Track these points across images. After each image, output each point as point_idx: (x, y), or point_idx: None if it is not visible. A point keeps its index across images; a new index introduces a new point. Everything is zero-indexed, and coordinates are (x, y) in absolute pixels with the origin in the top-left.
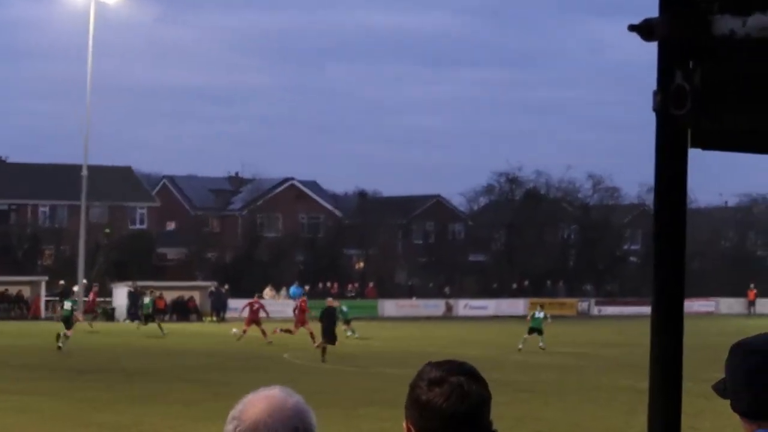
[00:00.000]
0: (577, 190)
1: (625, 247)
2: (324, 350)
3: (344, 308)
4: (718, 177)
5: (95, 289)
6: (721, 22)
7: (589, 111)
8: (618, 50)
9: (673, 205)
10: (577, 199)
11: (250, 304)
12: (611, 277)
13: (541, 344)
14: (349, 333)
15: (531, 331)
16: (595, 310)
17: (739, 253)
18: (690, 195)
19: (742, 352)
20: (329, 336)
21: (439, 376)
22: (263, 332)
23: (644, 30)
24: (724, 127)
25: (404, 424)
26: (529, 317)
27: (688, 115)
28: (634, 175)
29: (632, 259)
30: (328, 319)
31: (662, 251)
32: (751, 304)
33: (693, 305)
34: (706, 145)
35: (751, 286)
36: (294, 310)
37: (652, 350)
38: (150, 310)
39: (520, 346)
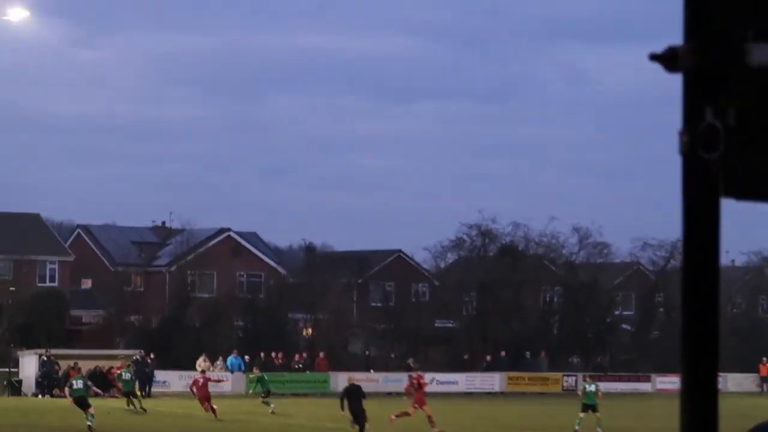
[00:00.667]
0: (561, 245)
1: (617, 312)
2: None
3: (265, 376)
4: (724, 232)
5: None
6: (758, 50)
7: (574, 153)
8: (606, 83)
9: (704, 266)
10: (561, 256)
11: (195, 382)
12: (600, 348)
13: (599, 430)
14: (271, 407)
15: (585, 408)
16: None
17: (748, 321)
18: None
19: None
20: (361, 417)
21: None
22: (213, 410)
23: (668, 59)
24: (762, 173)
25: None
26: (580, 392)
27: (721, 159)
28: (626, 229)
29: (625, 326)
30: (356, 398)
31: (692, 320)
32: (764, 380)
33: None
34: (741, 194)
35: (764, 359)
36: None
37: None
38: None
39: (577, 428)
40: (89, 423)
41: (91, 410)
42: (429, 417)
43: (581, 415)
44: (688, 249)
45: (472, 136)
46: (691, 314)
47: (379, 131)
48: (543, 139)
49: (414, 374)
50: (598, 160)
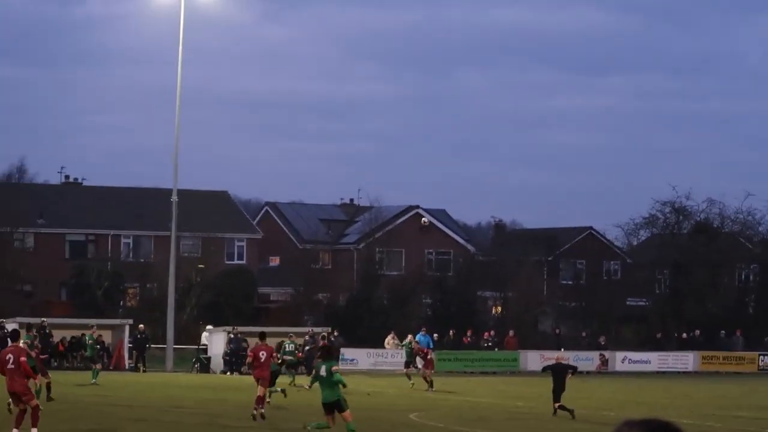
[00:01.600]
0: (758, 222)
1: None
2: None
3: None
4: None
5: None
6: None
7: (766, 127)
8: None
9: None
10: (757, 233)
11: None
12: None
13: None
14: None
15: None
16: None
17: None
18: None
19: None
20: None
21: None
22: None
23: None
24: None
25: None
26: None
27: None
28: None
29: None
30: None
31: None
32: None
33: None
34: None
35: None
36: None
37: None
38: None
39: None
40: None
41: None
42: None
43: None
44: None
45: (666, 111)
46: None
47: (571, 106)
48: (742, 114)
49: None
50: None
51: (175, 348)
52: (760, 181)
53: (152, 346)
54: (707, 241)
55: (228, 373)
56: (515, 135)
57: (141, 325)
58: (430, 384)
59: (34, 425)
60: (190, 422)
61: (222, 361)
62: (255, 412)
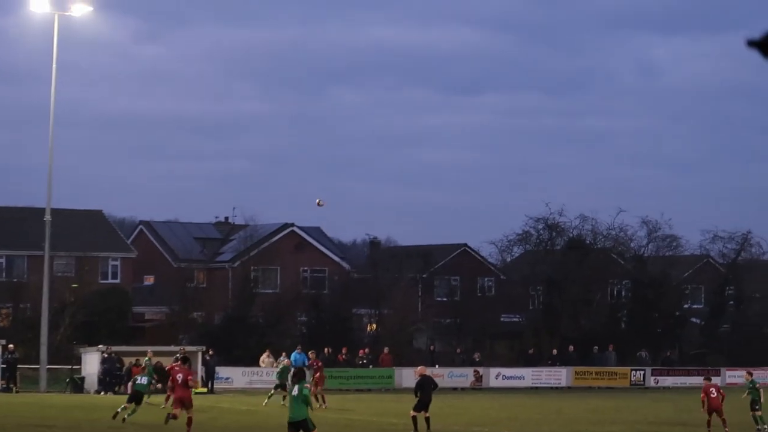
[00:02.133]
0: (630, 239)
1: (686, 305)
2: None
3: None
4: None
5: None
6: None
7: (642, 145)
8: (676, 74)
9: None
10: (629, 249)
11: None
12: (670, 342)
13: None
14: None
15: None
16: (651, 381)
17: None
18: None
19: None
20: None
21: None
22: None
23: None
24: None
25: None
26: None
27: None
28: (695, 221)
29: (694, 320)
30: (427, 388)
31: None
32: None
33: None
34: None
35: None
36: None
37: None
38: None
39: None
40: (128, 415)
41: (137, 407)
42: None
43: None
44: None
45: (539, 129)
46: None
47: (444, 124)
48: (611, 131)
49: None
50: (666, 152)
51: (48, 368)
52: (632, 197)
53: (26, 366)
54: (580, 257)
55: (102, 393)
56: (389, 153)
57: (11, 345)
58: (323, 400)
59: None
60: None
61: (96, 380)
62: None
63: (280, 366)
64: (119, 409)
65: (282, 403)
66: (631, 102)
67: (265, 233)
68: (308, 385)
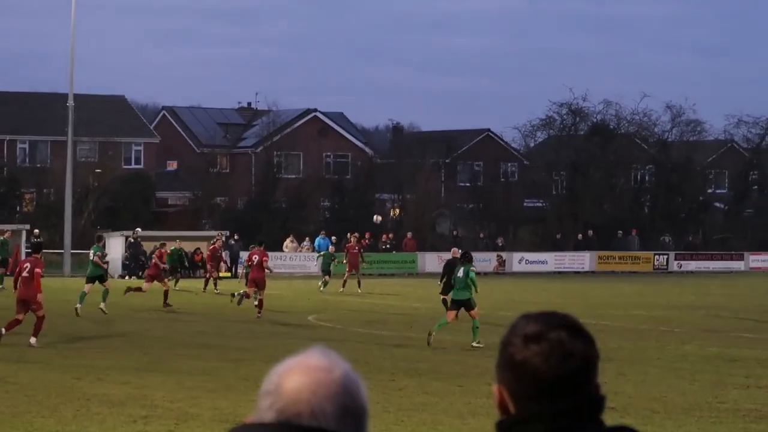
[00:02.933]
0: (654, 124)
1: (710, 190)
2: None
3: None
4: None
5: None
6: None
7: (668, 29)
8: None
9: None
10: (653, 134)
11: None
12: (693, 227)
13: None
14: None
15: None
16: (674, 266)
17: None
18: None
19: None
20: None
21: (536, 330)
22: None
23: None
24: None
25: (495, 389)
26: None
27: None
28: (720, 106)
29: (717, 205)
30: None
31: None
32: None
33: None
34: None
35: None
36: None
37: None
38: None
39: None
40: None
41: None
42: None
43: None
44: None
45: (563, 13)
46: None
47: (467, 10)
48: (636, 16)
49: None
50: (691, 36)
51: (72, 253)
52: (657, 82)
53: (50, 251)
54: (603, 142)
55: (126, 278)
56: (413, 38)
57: (36, 230)
58: (358, 285)
59: (35, 334)
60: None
61: (120, 265)
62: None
63: (323, 254)
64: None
65: (321, 289)
66: None
67: (288, 119)
68: (473, 268)
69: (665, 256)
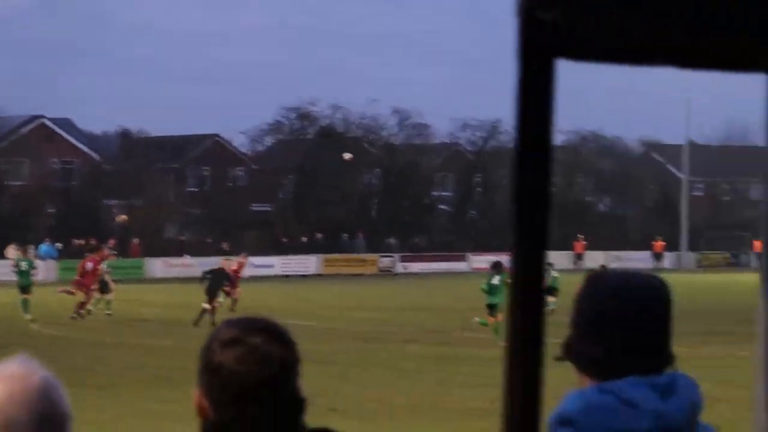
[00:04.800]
0: (381, 127)
1: (436, 193)
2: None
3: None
4: None
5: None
6: None
7: (394, 36)
8: None
9: (537, 134)
10: (380, 138)
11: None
12: (418, 229)
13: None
14: None
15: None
16: (400, 268)
17: (565, 199)
18: (509, 131)
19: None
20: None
21: (234, 335)
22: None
23: None
24: (599, 33)
25: (195, 394)
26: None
27: (558, 19)
28: (445, 110)
29: (442, 207)
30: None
31: (523, 196)
32: (579, 257)
33: None
34: (576, 55)
35: (579, 237)
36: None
37: (512, 323)
38: None
39: None
40: None
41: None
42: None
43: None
44: (523, 116)
45: (294, 21)
46: (521, 192)
47: (194, 18)
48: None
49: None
50: (421, 42)
51: None
52: (383, 87)
53: None
54: (332, 145)
55: None
56: (140, 45)
57: None
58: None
59: None
60: None
61: None
62: None
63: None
64: None
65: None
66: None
67: (13, 125)
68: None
69: (391, 258)
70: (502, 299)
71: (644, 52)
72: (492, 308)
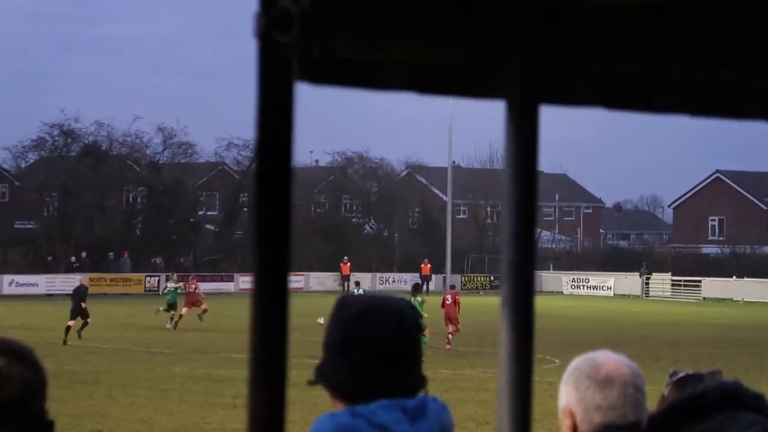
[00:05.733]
0: (146, 145)
1: (201, 212)
2: None
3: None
4: (309, 131)
5: None
6: None
7: (160, 51)
8: None
9: (277, 156)
10: (145, 156)
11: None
12: (184, 249)
13: None
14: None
15: None
16: (165, 287)
17: (331, 221)
18: None
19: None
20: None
21: None
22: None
23: None
24: (337, 57)
25: None
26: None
27: (295, 43)
28: (210, 129)
29: (208, 226)
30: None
31: (265, 217)
32: (345, 279)
33: None
34: (317, 78)
35: (345, 259)
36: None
37: (253, 347)
38: None
39: None
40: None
41: None
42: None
43: None
44: (262, 138)
45: (58, 34)
46: (262, 212)
47: None
48: (128, 36)
49: None
50: (183, 58)
51: None
52: (150, 104)
53: None
54: (96, 163)
55: None
56: None
57: None
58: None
59: None
60: None
61: None
62: None
63: None
64: None
65: None
66: (154, 7)
67: None
68: (420, 298)
69: (156, 278)
70: None
71: (385, 77)
72: None
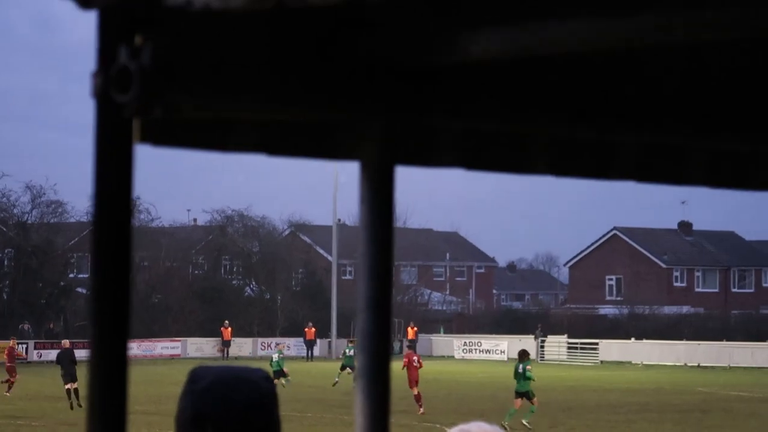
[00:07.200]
0: (13, 204)
1: (72, 275)
2: None
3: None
4: (185, 188)
5: None
6: None
7: (37, 105)
8: (74, 29)
9: (115, 219)
10: (12, 216)
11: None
12: (54, 313)
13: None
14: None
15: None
16: (34, 355)
17: (210, 283)
18: (152, 210)
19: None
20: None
21: None
22: None
23: None
24: (178, 117)
25: None
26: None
27: (135, 103)
28: (82, 186)
29: (80, 289)
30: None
31: (103, 284)
32: (225, 344)
33: (156, 347)
34: (159, 140)
35: (226, 323)
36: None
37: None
38: None
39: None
40: None
41: None
42: None
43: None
44: (100, 202)
45: None
46: (101, 272)
47: None
48: (6, 88)
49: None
50: (63, 113)
51: None
52: (17, 161)
53: None
54: None
55: None
56: None
57: None
58: None
59: None
60: None
61: None
62: None
63: None
64: None
65: None
66: (28, 58)
67: None
68: (529, 367)
69: (24, 345)
70: (526, 387)
71: (234, 138)
72: (519, 395)
